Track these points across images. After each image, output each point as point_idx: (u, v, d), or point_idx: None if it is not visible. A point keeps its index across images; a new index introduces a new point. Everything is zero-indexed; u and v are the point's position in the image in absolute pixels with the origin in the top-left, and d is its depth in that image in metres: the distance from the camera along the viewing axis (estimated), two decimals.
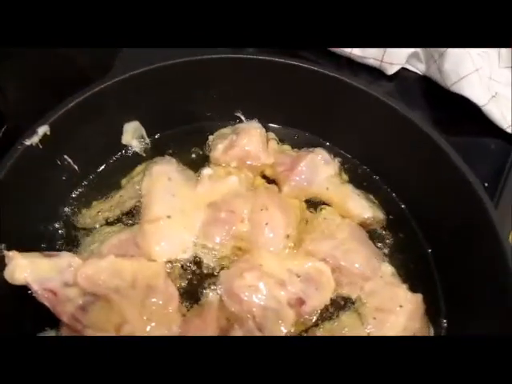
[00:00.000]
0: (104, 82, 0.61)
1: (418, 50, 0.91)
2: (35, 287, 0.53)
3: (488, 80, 0.87)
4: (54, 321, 0.54)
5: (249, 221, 0.63)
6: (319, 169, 0.68)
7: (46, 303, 0.53)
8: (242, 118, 0.74)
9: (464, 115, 0.86)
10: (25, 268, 0.52)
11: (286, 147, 0.73)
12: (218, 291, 0.58)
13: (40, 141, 0.56)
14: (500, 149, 0.84)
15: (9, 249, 0.53)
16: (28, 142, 0.55)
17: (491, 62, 0.90)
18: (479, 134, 0.86)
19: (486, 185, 0.78)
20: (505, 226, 0.73)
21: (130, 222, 0.64)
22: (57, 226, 0.63)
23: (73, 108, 0.58)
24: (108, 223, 0.64)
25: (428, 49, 0.89)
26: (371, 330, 0.56)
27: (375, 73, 0.93)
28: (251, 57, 0.67)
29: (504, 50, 0.93)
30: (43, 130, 0.56)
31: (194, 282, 0.59)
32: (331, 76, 0.66)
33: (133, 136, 0.70)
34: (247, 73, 0.68)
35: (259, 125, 0.71)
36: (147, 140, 0.71)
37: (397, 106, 0.64)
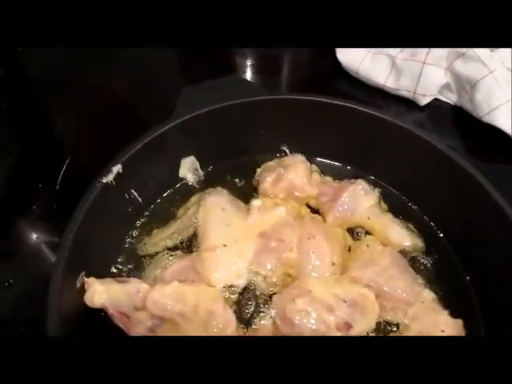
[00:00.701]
0: (167, 124, 0.67)
1: (450, 80, 0.95)
2: (111, 310, 0.59)
3: None
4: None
5: (297, 249, 0.69)
6: (360, 199, 0.73)
7: (121, 325, 0.59)
8: (287, 151, 0.80)
9: (495, 144, 0.90)
10: (102, 293, 0.59)
11: (328, 179, 0.78)
12: (271, 315, 0.63)
13: (114, 178, 0.63)
14: None
15: (87, 276, 0.60)
16: (105, 180, 0.62)
17: None
18: (510, 162, 0.90)
19: None
20: None
21: (188, 249, 0.70)
22: (124, 253, 0.69)
23: (141, 148, 0.65)
24: (168, 250, 0.70)
25: (459, 80, 0.93)
26: None
27: (407, 103, 0.98)
28: (293, 97, 0.73)
29: None
30: (117, 168, 0.63)
31: (249, 306, 0.65)
32: (369, 113, 0.71)
33: (189, 169, 0.76)
34: (290, 111, 0.74)
35: (304, 158, 0.77)
36: (201, 173, 0.78)
37: (431, 139, 0.69)
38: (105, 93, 1.01)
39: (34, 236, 0.78)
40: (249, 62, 1.08)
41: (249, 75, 1.06)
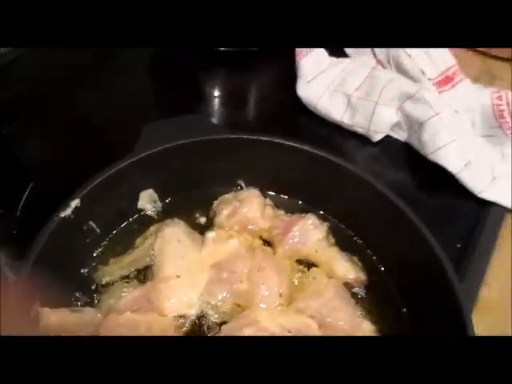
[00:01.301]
0: (126, 160, 0.71)
1: (401, 119, 1.02)
2: None
3: (462, 149, 0.97)
4: None
5: (247, 280, 0.73)
6: (309, 233, 0.78)
7: None
8: (243, 185, 0.84)
9: (442, 179, 0.96)
10: (55, 323, 0.62)
11: (281, 212, 0.83)
12: None
13: (72, 212, 0.66)
14: (472, 211, 0.94)
15: (42, 305, 0.62)
16: (62, 215, 0.65)
17: (465, 133, 1.01)
18: (455, 197, 0.96)
19: (459, 245, 0.88)
20: (475, 283, 0.83)
21: (144, 279, 0.73)
22: (81, 282, 0.71)
23: (100, 183, 0.69)
24: (124, 279, 0.73)
25: (409, 120, 1.00)
26: None
27: (362, 138, 1.05)
28: (247, 137, 0.78)
29: (477, 120, 1.04)
30: (75, 203, 0.66)
31: (200, 335, 0.68)
32: (316, 154, 0.77)
33: (147, 201, 0.80)
34: (246, 150, 0.79)
35: (258, 193, 0.82)
36: (159, 204, 0.81)
37: (375, 183, 0.74)
38: (72, 120, 1.03)
39: None
40: (216, 96, 1.13)
41: (216, 109, 1.10)
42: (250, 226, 0.79)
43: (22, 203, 0.88)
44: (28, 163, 0.97)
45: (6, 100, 1.03)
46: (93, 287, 0.71)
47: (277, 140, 0.78)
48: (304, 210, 0.82)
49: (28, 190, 0.90)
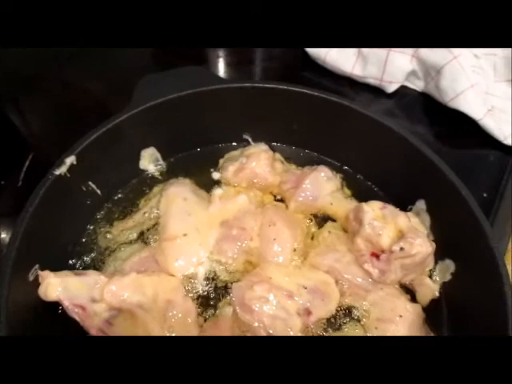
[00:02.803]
0: (122, 115, 0.67)
1: (416, 67, 0.96)
2: (66, 303, 0.58)
3: (484, 94, 0.91)
4: (83, 333, 0.59)
5: (258, 236, 0.68)
6: (322, 185, 0.73)
7: (76, 318, 0.58)
8: (250, 140, 0.79)
9: (463, 129, 0.91)
10: (56, 286, 0.58)
11: (291, 166, 0.78)
12: (231, 303, 0.63)
13: (67, 170, 0.62)
14: (498, 160, 0.88)
15: (42, 269, 0.59)
16: (57, 172, 0.61)
17: (487, 77, 0.95)
18: (478, 146, 0.91)
19: (485, 195, 0.82)
20: (505, 232, 0.78)
21: (149, 240, 0.69)
22: (83, 245, 0.68)
23: (95, 139, 0.64)
24: (129, 242, 0.69)
25: (425, 66, 0.94)
26: None
27: (376, 91, 0.98)
28: (256, 85, 0.73)
29: (499, 65, 0.97)
30: (70, 160, 0.62)
31: (210, 295, 0.64)
32: (329, 99, 0.71)
33: (149, 161, 0.75)
34: (253, 99, 0.74)
35: (266, 147, 0.77)
36: (163, 163, 0.77)
37: (390, 124, 0.69)
38: (71, 87, 1.00)
39: None
40: (219, 54, 1.08)
41: (218, 67, 1.05)
42: (258, 182, 0.74)
43: (22, 174, 0.85)
44: (28, 134, 0.95)
45: (3, 75, 1.00)
46: (97, 251, 0.68)
47: (284, 87, 0.72)
48: (317, 162, 0.77)
49: (28, 161, 0.87)
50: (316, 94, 0.72)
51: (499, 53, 0.98)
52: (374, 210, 0.66)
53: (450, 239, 0.66)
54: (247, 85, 0.74)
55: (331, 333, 0.61)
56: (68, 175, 0.62)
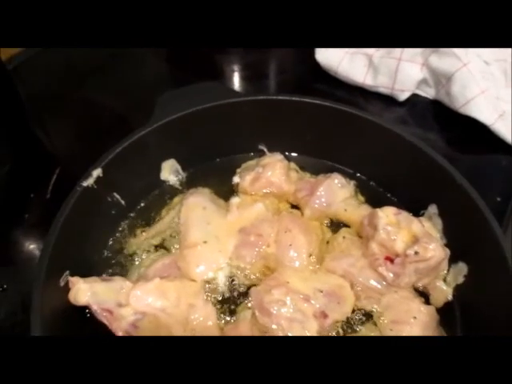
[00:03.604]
0: (145, 129, 0.71)
1: (427, 75, 0.98)
2: (95, 307, 0.62)
3: (495, 100, 0.92)
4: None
5: (275, 243, 0.71)
6: (336, 192, 0.76)
7: (104, 321, 0.62)
8: (266, 150, 0.82)
9: (475, 135, 0.92)
10: (86, 291, 0.62)
11: (306, 174, 0.81)
12: (250, 306, 0.66)
13: (94, 182, 0.66)
14: (510, 164, 0.89)
15: (72, 275, 0.63)
16: (85, 184, 0.65)
17: (497, 83, 0.96)
18: (490, 151, 0.92)
19: (499, 199, 0.84)
20: None
21: (171, 247, 0.72)
22: (108, 254, 0.72)
23: (120, 152, 0.68)
24: (152, 250, 0.72)
25: (436, 74, 0.96)
26: None
27: (388, 100, 1.01)
28: (270, 97, 0.76)
29: (509, 71, 0.99)
30: (97, 172, 0.66)
31: (230, 299, 0.67)
32: (340, 109, 0.74)
33: (170, 172, 0.79)
34: (268, 111, 0.77)
35: (282, 157, 0.79)
36: (182, 174, 0.81)
37: (401, 132, 0.71)
38: (94, 105, 1.04)
39: (27, 243, 0.81)
40: (233, 69, 1.12)
41: (233, 81, 1.09)
42: (274, 190, 0.77)
43: (50, 187, 0.89)
44: (56, 149, 1.00)
45: (31, 95, 1.05)
46: (121, 258, 0.71)
47: (297, 98, 0.75)
48: (331, 170, 0.80)
49: (55, 175, 0.91)
50: (328, 104, 0.75)
51: (509, 59, 1.00)
52: (388, 216, 0.68)
53: (462, 243, 0.67)
54: (261, 97, 0.77)
55: (347, 335, 0.63)
56: (95, 187, 0.66)
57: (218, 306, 0.66)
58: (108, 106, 1.04)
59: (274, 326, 0.62)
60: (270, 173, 0.77)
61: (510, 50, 1.00)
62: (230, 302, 0.67)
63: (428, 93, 1.00)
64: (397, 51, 0.96)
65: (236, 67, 1.11)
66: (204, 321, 0.64)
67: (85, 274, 0.64)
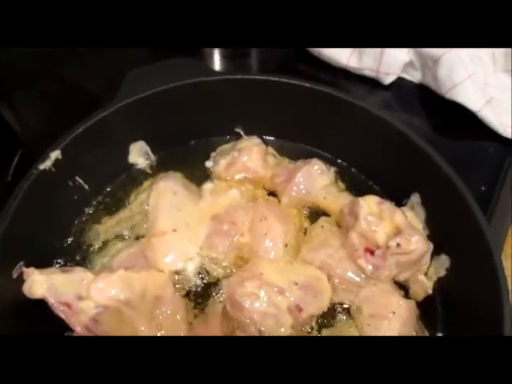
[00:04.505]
0: (108, 108, 0.65)
1: (413, 58, 0.94)
2: (51, 300, 0.57)
3: (483, 85, 0.89)
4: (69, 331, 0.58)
5: (249, 231, 0.67)
6: (315, 179, 0.72)
7: (61, 315, 0.57)
8: (242, 133, 0.78)
9: (461, 120, 0.89)
10: (42, 283, 0.57)
11: (284, 160, 0.77)
12: (222, 299, 0.62)
13: (53, 165, 0.61)
14: (497, 152, 0.86)
15: (27, 265, 0.58)
16: (42, 167, 0.60)
17: (485, 68, 0.92)
18: (477, 138, 0.89)
19: (484, 188, 0.81)
20: (503, 226, 0.76)
21: (138, 235, 0.68)
22: (70, 242, 0.67)
23: (81, 133, 0.63)
24: (117, 238, 0.68)
25: (422, 57, 0.92)
26: None
27: (373, 83, 0.96)
28: (247, 77, 0.71)
29: (498, 55, 0.95)
30: (55, 154, 0.61)
31: (200, 291, 0.63)
32: (321, 91, 0.70)
33: (139, 155, 0.74)
34: (245, 92, 0.72)
35: (259, 141, 0.75)
36: (153, 157, 0.75)
37: (384, 116, 0.67)
38: (66, 82, 0.98)
39: None
40: None
41: (213, 59, 1.03)
42: (250, 176, 0.73)
43: (12, 169, 0.84)
44: (18, 130, 0.93)
45: None
46: (84, 247, 0.67)
47: (277, 78, 0.71)
48: (311, 155, 0.75)
49: (18, 156, 0.85)
50: (309, 85, 0.70)
51: None
52: (370, 206, 0.64)
53: (445, 234, 0.64)
54: (239, 77, 0.72)
55: (323, 329, 0.60)
56: (53, 170, 0.61)
57: (187, 299, 0.62)
58: (80, 83, 0.98)
59: (246, 321, 0.58)
60: (247, 157, 0.72)
61: None
62: (200, 294, 0.63)
63: (414, 76, 0.96)
64: None
65: None
66: (171, 315, 0.60)
67: (44, 264, 0.60)
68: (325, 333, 0.60)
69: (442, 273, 0.63)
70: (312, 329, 0.60)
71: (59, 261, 0.65)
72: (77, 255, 0.66)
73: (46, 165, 0.60)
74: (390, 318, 0.58)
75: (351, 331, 0.60)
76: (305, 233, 0.69)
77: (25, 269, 0.57)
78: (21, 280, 0.57)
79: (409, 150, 0.67)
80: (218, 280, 0.64)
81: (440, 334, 0.61)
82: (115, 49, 1.00)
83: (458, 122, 0.89)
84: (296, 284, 0.61)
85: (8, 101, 0.97)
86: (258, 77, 0.72)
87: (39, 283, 0.57)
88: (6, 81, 0.99)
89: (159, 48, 1.03)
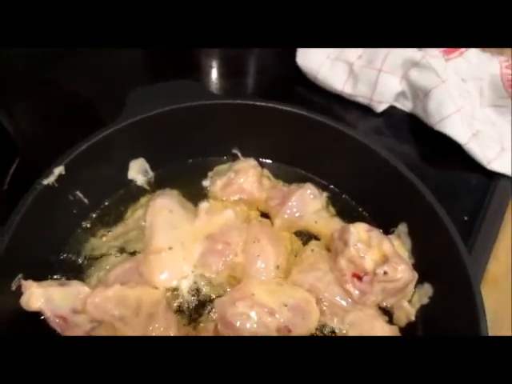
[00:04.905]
0: (112, 127, 0.67)
1: (405, 89, 0.97)
2: (48, 314, 0.59)
3: (470, 119, 0.93)
4: None
5: (243, 252, 0.69)
6: (308, 203, 0.74)
7: (57, 328, 0.59)
8: (239, 154, 0.80)
9: (448, 151, 0.92)
10: (39, 296, 0.58)
11: (279, 182, 0.79)
12: (214, 317, 0.64)
13: (55, 180, 0.62)
14: (480, 184, 0.90)
15: (25, 278, 0.59)
16: (45, 182, 0.61)
17: (473, 102, 0.97)
18: (462, 169, 0.92)
19: (466, 218, 0.84)
20: (484, 256, 0.79)
21: (134, 251, 0.69)
22: (67, 255, 0.68)
23: (85, 150, 0.65)
24: (113, 252, 0.69)
25: (414, 89, 0.95)
26: None
27: (365, 109, 1.00)
28: (245, 102, 0.74)
29: (485, 90, 1.00)
30: (59, 170, 0.62)
31: (193, 309, 0.65)
32: (316, 119, 0.73)
33: (138, 171, 0.76)
34: (243, 116, 0.74)
35: (255, 163, 0.77)
36: (151, 174, 0.77)
37: (373, 146, 0.70)
38: (64, 92, 0.99)
39: None
40: (212, 65, 1.08)
41: (211, 78, 1.06)
42: (245, 197, 0.75)
43: (9, 177, 0.85)
44: (16, 137, 0.94)
45: None
46: (81, 260, 0.68)
47: (274, 105, 0.73)
48: (304, 179, 0.78)
49: (15, 164, 0.86)
50: (304, 113, 0.73)
51: (486, 77, 1.00)
52: (359, 232, 0.67)
53: (429, 263, 0.67)
54: (237, 102, 0.75)
55: None
56: (56, 185, 0.63)
57: (180, 317, 0.64)
58: (78, 93, 0.99)
59: None
60: (243, 179, 0.75)
61: (486, 69, 1.01)
62: (193, 312, 0.65)
63: (405, 105, 1.00)
64: (378, 62, 0.95)
65: (214, 63, 1.07)
66: (164, 331, 0.62)
67: (40, 275, 0.61)
68: None
69: (425, 301, 0.66)
70: None
71: (56, 273, 0.66)
72: (73, 268, 0.67)
73: (49, 180, 0.62)
74: None
75: None
76: (295, 255, 0.71)
77: (23, 281, 0.59)
78: (19, 292, 0.58)
79: (395, 179, 0.70)
80: (211, 298, 0.66)
81: None
82: (111, 57, 1.04)
83: (445, 152, 0.93)
84: (286, 305, 0.63)
85: (6, 109, 0.98)
86: (256, 103, 0.75)
87: (37, 296, 0.58)
88: (4, 88, 1.00)
89: (157, 59, 1.06)
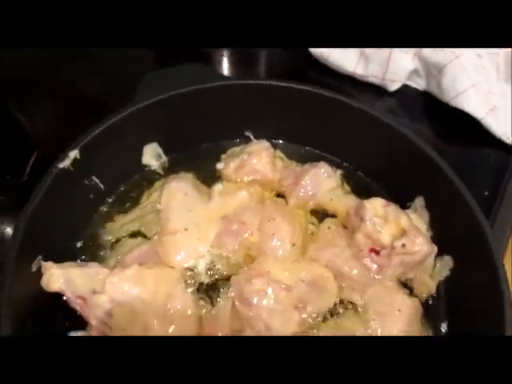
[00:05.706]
0: (125, 110, 0.68)
1: (418, 66, 0.96)
2: (68, 294, 0.59)
3: (486, 93, 0.91)
4: (84, 323, 0.60)
5: (258, 231, 0.69)
6: (322, 181, 0.74)
7: (77, 308, 0.59)
8: (252, 136, 0.80)
9: (465, 128, 0.91)
10: (59, 277, 0.59)
11: (292, 163, 0.79)
12: (230, 296, 0.64)
13: (71, 164, 0.63)
14: (500, 159, 0.88)
15: (45, 260, 0.60)
16: (61, 165, 0.62)
17: (489, 76, 0.95)
18: (480, 145, 0.91)
19: (486, 193, 0.83)
20: (505, 230, 0.78)
21: (150, 234, 0.70)
22: (85, 238, 0.69)
23: (99, 134, 0.66)
24: (130, 236, 0.70)
25: (427, 65, 0.94)
26: (371, 332, 0.61)
27: (378, 90, 0.99)
28: (257, 82, 0.74)
29: (502, 65, 0.97)
30: (74, 154, 0.63)
31: (210, 287, 0.65)
32: (329, 96, 0.72)
33: (152, 156, 0.76)
34: (255, 97, 0.74)
35: (268, 144, 0.77)
36: (165, 159, 0.78)
37: (390, 121, 0.69)
38: (75, 88, 1.00)
39: (2, 227, 0.78)
40: (223, 53, 1.08)
41: (222, 65, 1.06)
42: (259, 178, 0.75)
43: (28, 168, 0.86)
44: (35, 132, 0.96)
45: (11, 78, 1.02)
46: (98, 243, 0.69)
47: (286, 84, 0.73)
48: (317, 158, 0.78)
49: (34, 157, 0.88)
50: (316, 91, 0.73)
51: (502, 52, 0.98)
52: (375, 208, 0.66)
53: (448, 236, 0.66)
54: (249, 82, 0.75)
55: (329, 326, 0.62)
56: (71, 169, 0.64)
57: (198, 295, 0.64)
58: (88, 87, 1.00)
59: (254, 317, 0.60)
60: (256, 160, 0.75)
61: None
62: (210, 290, 0.65)
63: (419, 84, 0.99)
64: None
65: (225, 51, 1.07)
66: (182, 310, 0.62)
67: (59, 259, 0.62)
68: (329, 329, 0.62)
69: (446, 273, 0.65)
70: (318, 325, 0.62)
71: (75, 255, 0.67)
72: (91, 251, 0.68)
73: (64, 164, 0.63)
74: (396, 315, 0.60)
75: (355, 328, 0.61)
76: (312, 233, 0.71)
77: (43, 262, 0.60)
78: (39, 273, 0.59)
79: (414, 155, 0.69)
80: (228, 277, 0.66)
81: (443, 330, 0.63)
82: (122, 52, 1.05)
83: (461, 129, 0.91)
84: (302, 281, 0.63)
85: (21, 106, 1.00)
86: (267, 82, 0.75)
87: (57, 277, 0.59)
88: (17, 86, 1.02)
89: (166, 49, 1.07)
